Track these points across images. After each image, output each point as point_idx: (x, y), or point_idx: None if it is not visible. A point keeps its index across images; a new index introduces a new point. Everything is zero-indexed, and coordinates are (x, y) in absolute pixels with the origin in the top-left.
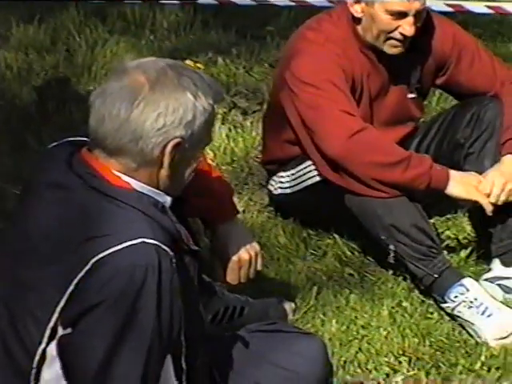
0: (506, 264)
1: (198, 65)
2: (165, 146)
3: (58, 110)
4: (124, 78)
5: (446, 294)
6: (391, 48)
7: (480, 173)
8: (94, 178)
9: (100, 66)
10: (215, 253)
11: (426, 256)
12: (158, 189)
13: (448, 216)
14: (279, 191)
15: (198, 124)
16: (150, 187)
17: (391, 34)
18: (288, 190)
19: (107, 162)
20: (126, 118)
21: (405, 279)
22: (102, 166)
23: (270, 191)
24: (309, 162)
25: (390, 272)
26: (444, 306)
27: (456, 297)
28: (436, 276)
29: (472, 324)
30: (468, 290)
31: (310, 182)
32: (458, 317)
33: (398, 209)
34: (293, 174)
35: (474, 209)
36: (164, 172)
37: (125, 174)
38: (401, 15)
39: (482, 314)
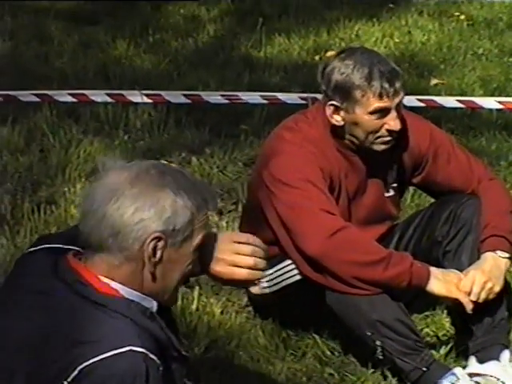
0: (480, 361)
1: (172, 165)
2: (144, 241)
3: (32, 212)
4: (106, 176)
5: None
6: (380, 145)
7: (458, 270)
8: (81, 285)
9: (74, 167)
10: None
11: (413, 350)
12: (142, 292)
13: (427, 313)
14: (258, 291)
15: (179, 221)
16: (136, 292)
17: (378, 133)
18: (267, 290)
19: (93, 265)
20: (104, 213)
21: (385, 378)
22: (89, 272)
23: (248, 291)
24: (288, 261)
25: (370, 371)
26: None
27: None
28: (424, 369)
29: None
30: (458, 379)
31: (289, 281)
32: None
33: (381, 304)
34: (271, 274)
35: (452, 305)
36: (147, 271)
37: (110, 276)
38: (383, 112)
39: None
